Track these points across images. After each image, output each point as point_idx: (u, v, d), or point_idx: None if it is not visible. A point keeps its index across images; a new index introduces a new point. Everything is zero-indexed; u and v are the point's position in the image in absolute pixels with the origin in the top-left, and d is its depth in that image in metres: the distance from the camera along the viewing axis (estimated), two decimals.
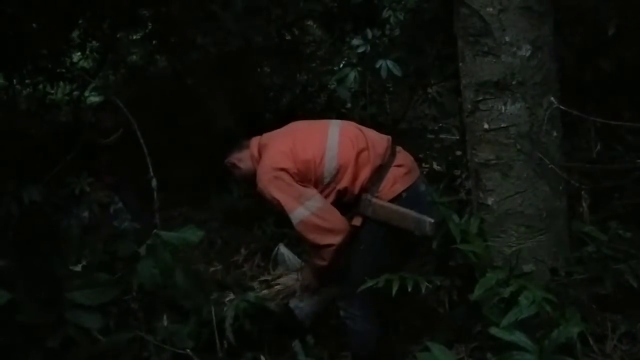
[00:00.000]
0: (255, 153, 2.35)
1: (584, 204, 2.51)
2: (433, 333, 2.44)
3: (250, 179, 2.37)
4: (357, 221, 2.23)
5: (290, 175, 2.18)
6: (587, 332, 2.19)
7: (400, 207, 2.20)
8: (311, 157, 2.20)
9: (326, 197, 2.22)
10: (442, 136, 4.20)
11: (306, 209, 2.14)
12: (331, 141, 2.24)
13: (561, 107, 2.17)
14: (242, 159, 2.41)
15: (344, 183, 2.21)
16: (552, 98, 2.20)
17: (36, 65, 4.79)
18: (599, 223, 2.39)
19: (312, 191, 2.18)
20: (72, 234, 2.69)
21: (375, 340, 2.30)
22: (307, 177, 2.20)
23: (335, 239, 2.16)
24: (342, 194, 2.22)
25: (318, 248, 2.19)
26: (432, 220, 2.21)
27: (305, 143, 2.24)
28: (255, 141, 2.40)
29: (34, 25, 4.33)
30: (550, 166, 2.18)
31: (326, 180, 2.22)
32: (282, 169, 2.18)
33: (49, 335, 1.89)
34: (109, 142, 3.76)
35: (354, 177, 2.21)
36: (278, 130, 2.42)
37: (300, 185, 2.18)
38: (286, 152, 2.21)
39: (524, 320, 1.93)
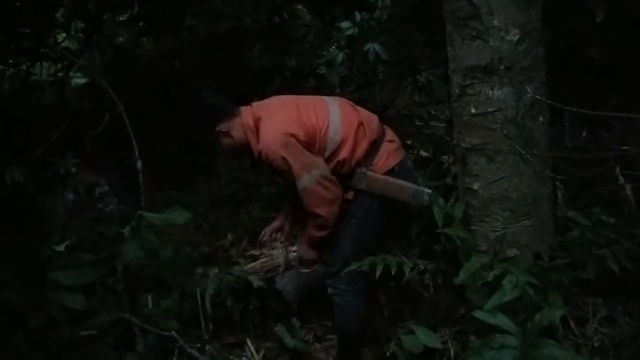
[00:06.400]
0: (251, 123, 2.27)
1: (559, 194, 2.53)
2: (418, 316, 2.46)
3: (240, 148, 2.31)
4: (349, 195, 2.25)
5: (300, 142, 2.17)
6: (569, 315, 2.22)
7: (397, 179, 2.22)
8: (317, 127, 2.21)
9: None
10: (430, 123, 4.20)
11: (311, 177, 2.16)
12: (333, 114, 2.26)
13: (537, 96, 2.16)
14: (233, 127, 2.29)
15: (343, 155, 2.23)
16: (527, 87, 2.19)
17: (19, 45, 4.69)
18: (583, 208, 2.41)
19: (318, 159, 2.20)
20: (56, 214, 2.66)
21: (363, 318, 2.32)
22: (312, 146, 2.21)
23: (332, 209, 2.20)
24: (340, 165, 2.24)
25: (316, 216, 2.21)
26: (430, 191, 2.23)
27: (309, 113, 2.24)
28: (247, 111, 2.32)
29: (17, 3, 4.24)
30: (528, 155, 2.19)
31: (327, 153, 2.23)
32: (293, 135, 2.16)
33: (32, 315, 1.88)
34: (97, 132, 3.70)
35: (353, 150, 2.23)
36: (268, 100, 2.38)
37: (308, 152, 2.19)
38: (294, 118, 2.20)
39: (507, 303, 1.95)
